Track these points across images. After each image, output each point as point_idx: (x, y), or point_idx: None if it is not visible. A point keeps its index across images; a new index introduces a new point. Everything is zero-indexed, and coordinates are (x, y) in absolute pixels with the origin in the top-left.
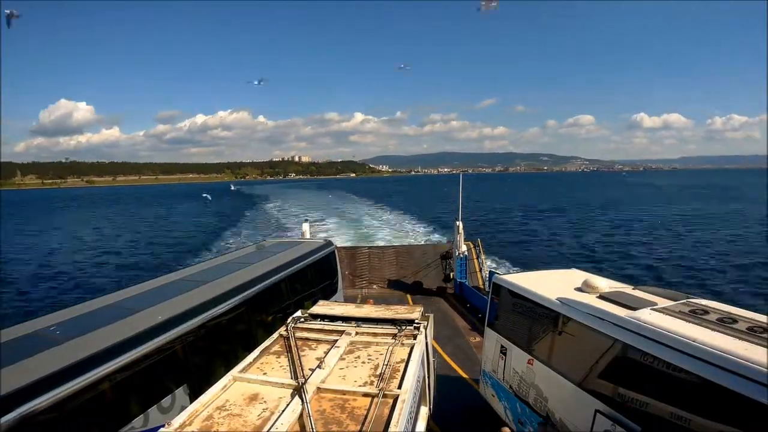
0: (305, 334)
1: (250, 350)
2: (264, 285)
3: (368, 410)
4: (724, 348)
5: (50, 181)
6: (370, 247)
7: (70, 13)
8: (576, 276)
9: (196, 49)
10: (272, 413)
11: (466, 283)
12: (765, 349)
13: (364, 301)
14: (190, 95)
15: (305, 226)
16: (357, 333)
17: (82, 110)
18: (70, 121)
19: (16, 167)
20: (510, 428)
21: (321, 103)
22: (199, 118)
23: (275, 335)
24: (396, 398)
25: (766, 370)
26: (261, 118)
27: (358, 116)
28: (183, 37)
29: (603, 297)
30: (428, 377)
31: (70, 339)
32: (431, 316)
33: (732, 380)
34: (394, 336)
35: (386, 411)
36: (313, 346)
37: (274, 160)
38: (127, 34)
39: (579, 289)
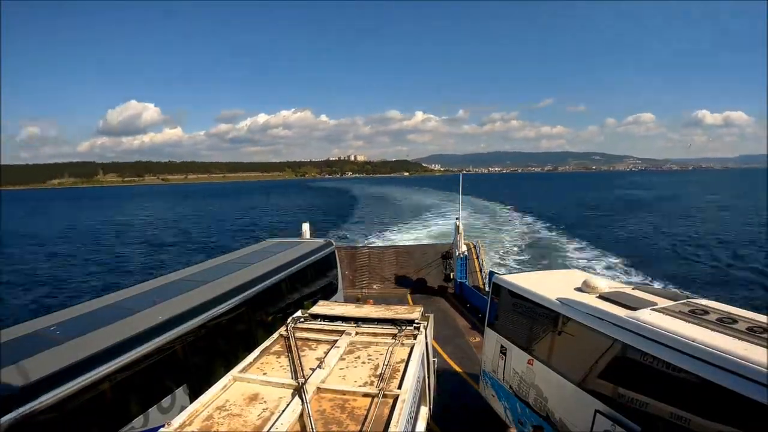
0: (305, 334)
1: (250, 350)
2: (264, 285)
3: (368, 410)
4: (724, 348)
5: (129, 178)
6: (370, 248)
7: (141, 16)
8: (576, 276)
9: (263, 50)
10: (272, 413)
11: (466, 283)
12: (765, 349)
13: (364, 301)
14: (252, 95)
15: (305, 226)
16: (357, 333)
17: (149, 111)
18: (137, 122)
19: (98, 167)
20: (515, 430)
21: (384, 103)
22: (261, 118)
23: (275, 335)
24: (396, 398)
25: (765, 370)
26: (323, 117)
27: (419, 115)
28: (255, 37)
29: (603, 297)
30: (428, 377)
31: (70, 339)
32: (431, 316)
33: (732, 380)
34: (394, 336)
35: (386, 411)
36: (313, 346)
37: (331, 159)
38: (193, 35)
39: (579, 289)
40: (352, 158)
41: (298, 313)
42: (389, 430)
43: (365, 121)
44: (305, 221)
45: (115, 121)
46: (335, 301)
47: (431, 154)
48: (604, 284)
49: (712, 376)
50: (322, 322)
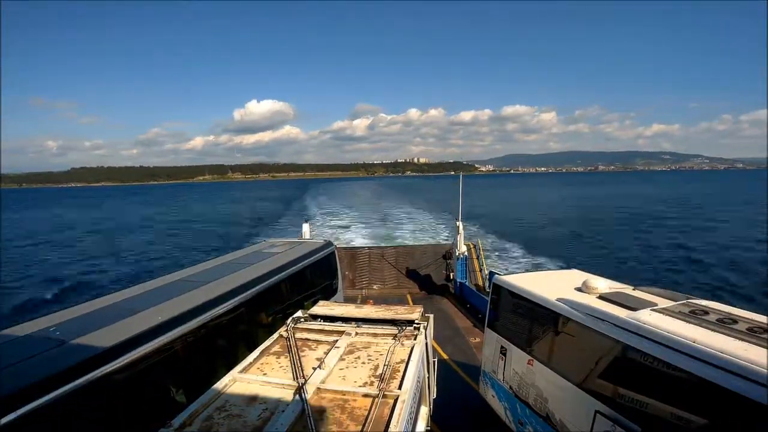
0: (305, 335)
1: (250, 351)
2: (264, 285)
3: (368, 411)
4: (724, 349)
5: (250, 175)
6: (370, 248)
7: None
8: (576, 276)
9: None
10: (272, 414)
11: (467, 283)
12: (765, 349)
13: (364, 301)
14: (384, 94)
15: (305, 227)
16: (357, 333)
17: (276, 108)
18: (262, 120)
19: (227, 168)
20: None
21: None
22: (380, 117)
23: (275, 336)
24: (396, 399)
25: (765, 371)
26: (433, 112)
27: (509, 109)
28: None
29: (603, 297)
30: (428, 377)
31: (70, 339)
32: (431, 316)
33: (732, 381)
34: (394, 336)
35: (386, 411)
36: (313, 347)
37: (399, 160)
38: (324, 33)
39: (579, 290)
40: (415, 160)
41: (298, 314)
42: (389, 430)
43: (490, 118)
44: (305, 221)
45: (239, 118)
46: (335, 302)
47: (506, 153)
48: (604, 285)
49: (712, 377)
50: (322, 323)
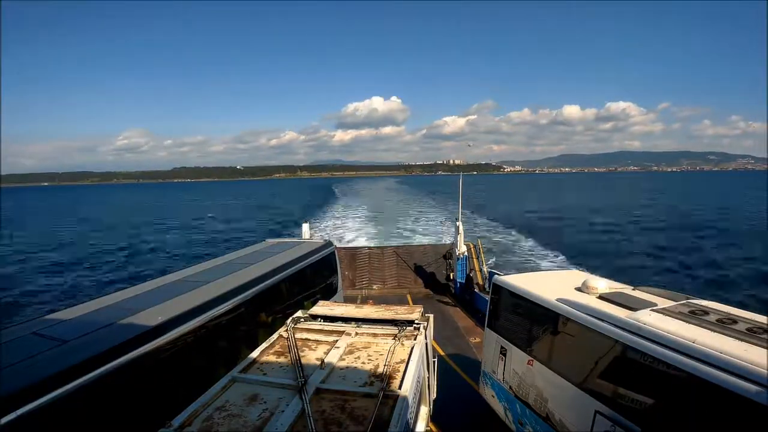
0: (305, 335)
1: (250, 351)
2: (264, 285)
3: (368, 410)
4: (724, 349)
5: (315, 174)
6: (370, 248)
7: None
8: (576, 276)
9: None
10: (272, 413)
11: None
12: (764, 350)
13: (364, 301)
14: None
15: (305, 227)
16: (357, 333)
17: (388, 106)
18: (375, 115)
19: (297, 168)
20: None
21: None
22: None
23: (275, 335)
24: (396, 398)
25: (765, 371)
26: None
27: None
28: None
29: (603, 298)
30: (428, 377)
31: (70, 339)
32: (431, 316)
33: (732, 381)
34: (394, 336)
35: (386, 411)
36: (313, 347)
37: (438, 162)
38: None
39: (579, 290)
40: (451, 162)
41: (298, 314)
42: (389, 430)
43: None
44: (305, 221)
45: (349, 112)
46: (335, 302)
47: (561, 153)
48: (604, 285)
49: (712, 377)
50: (322, 323)
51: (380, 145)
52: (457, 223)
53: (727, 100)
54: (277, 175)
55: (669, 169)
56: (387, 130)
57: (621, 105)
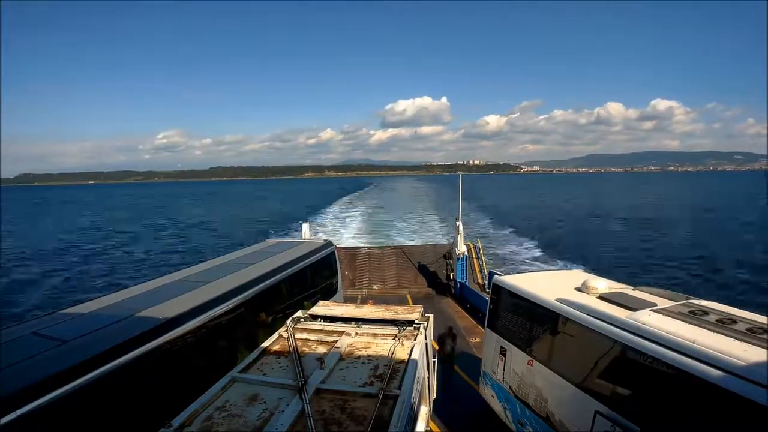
0: (305, 335)
1: (250, 351)
2: (264, 285)
3: (368, 411)
4: (724, 349)
5: (340, 173)
6: (370, 248)
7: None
8: (576, 277)
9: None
10: (272, 414)
11: (467, 283)
12: (764, 350)
13: (364, 301)
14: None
15: (305, 227)
16: (357, 333)
17: (430, 104)
18: (416, 114)
19: (325, 168)
20: None
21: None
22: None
23: (275, 336)
24: (396, 398)
25: (765, 371)
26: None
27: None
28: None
29: (603, 298)
30: (428, 377)
31: (70, 339)
32: (431, 316)
33: (732, 381)
34: (394, 336)
35: (386, 411)
36: (313, 347)
37: (459, 162)
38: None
39: (579, 290)
40: (470, 162)
41: (298, 314)
42: (389, 430)
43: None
44: (305, 221)
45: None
46: (335, 302)
47: (589, 153)
48: (604, 285)
49: (711, 378)
50: (322, 323)
51: (418, 144)
52: (457, 223)
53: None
54: (307, 175)
55: (688, 169)
56: (426, 129)
57: (666, 103)
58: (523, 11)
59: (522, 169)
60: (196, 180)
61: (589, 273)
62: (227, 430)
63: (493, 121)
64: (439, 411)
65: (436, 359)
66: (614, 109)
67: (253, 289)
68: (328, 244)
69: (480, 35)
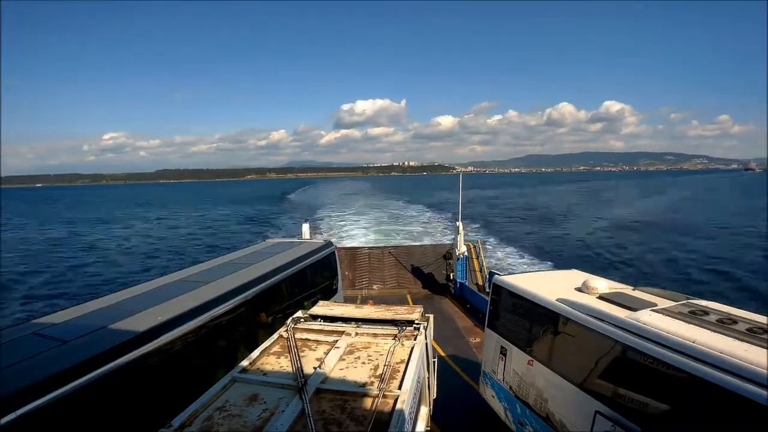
0: (305, 335)
1: (250, 351)
2: (264, 285)
3: (368, 411)
4: (724, 349)
5: (281, 175)
6: (370, 248)
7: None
8: (576, 277)
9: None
10: (272, 414)
11: (467, 283)
12: (765, 350)
13: (364, 301)
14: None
15: (305, 227)
16: (357, 333)
17: (382, 106)
18: (377, 115)
19: (267, 170)
20: None
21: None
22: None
23: (275, 336)
24: (396, 399)
25: (765, 371)
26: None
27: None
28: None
29: (603, 298)
30: (428, 378)
31: (70, 339)
32: (431, 316)
33: (732, 381)
34: (394, 336)
35: (386, 411)
36: (313, 347)
37: (393, 164)
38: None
39: (579, 290)
40: (406, 164)
41: (298, 314)
42: (389, 430)
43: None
44: (305, 221)
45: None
46: (335, 302)
47: (525, 154)
48: (604, 285)
49: (712, 378)
50: (322, 323)
51: (367, 146)
52: (457, 223)
53: (719, 98)
54: (249, 177)
55: (612, 169)
56: (377, 130)
57: (617, 105)
58: (490, 13)
59: (455, 170)
60: (143, 182)
61: (589, 273)
62: (227, 430)
63: (446, 122)
64: (439, 411)
65: (436, 359)
66: (566, 110)
67: (253, 289)
68: (329, 244)
69: (442, 35)
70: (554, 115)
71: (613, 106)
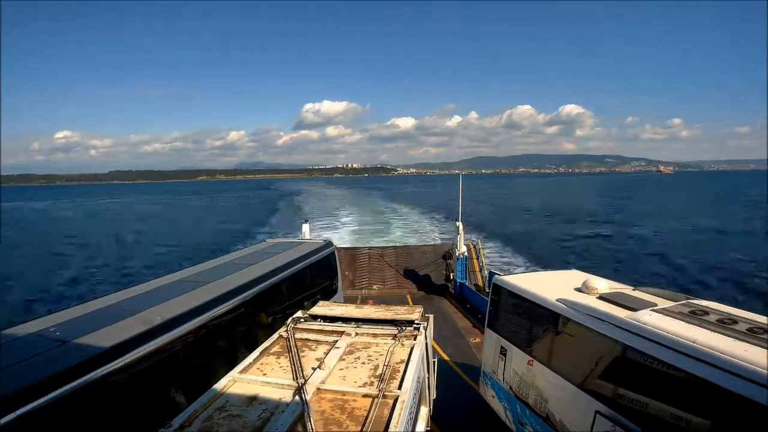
0: (305, 335)
1: (250, 351)
2: (264, 285)
3: (368, 411)
4: (724, 349)
5: (231, 176)
6: (370, 248)
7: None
8: (576, 277)
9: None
10: (272, 414)
11: (466, 283)
12: (765, 350)
13: (364, 301)
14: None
15: (305, 227)
16: (357, 334)
17: (340, 108)
18: (338, 116)
19: (217, 172)
20: None
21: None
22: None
23: (275, 336)
24: (396, 399)
25: (765, 371)
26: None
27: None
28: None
29: (603, 298)
30: (428, 378)
31: (70, 339)
32: (431, 316)
33: (732, 381)
34: (394, 337)
35: (386, 411)
36: (313, 347)
37: (338, 166)
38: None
39: (579, 290)
40: (349, 166)
41: (298, 314)
42: (389, 430)
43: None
44: (305, 221)
45: (308, 114)
46: (335, 302)
47: (475, 156)
48: (604, 285)
49: (712, 377)
50: (322, 323)
51: (321, 146)
52: (457, 223)
53: (672, 101)
54: (200, 178)
55: (545, 170)
56: (333, 131)
57: (577, 109)
58: (462, 16)
59: (397, 171)
60: (96, 183)
61: (589, 273)
62: (227, 430)
63: (405, 123)
64: (439, 411)
65: (435, 359)
66: (526, 112)
67: (253, 290)
68: (329, 244)
69: (409, 38)
70: (514, 117)
71: (573, 109)
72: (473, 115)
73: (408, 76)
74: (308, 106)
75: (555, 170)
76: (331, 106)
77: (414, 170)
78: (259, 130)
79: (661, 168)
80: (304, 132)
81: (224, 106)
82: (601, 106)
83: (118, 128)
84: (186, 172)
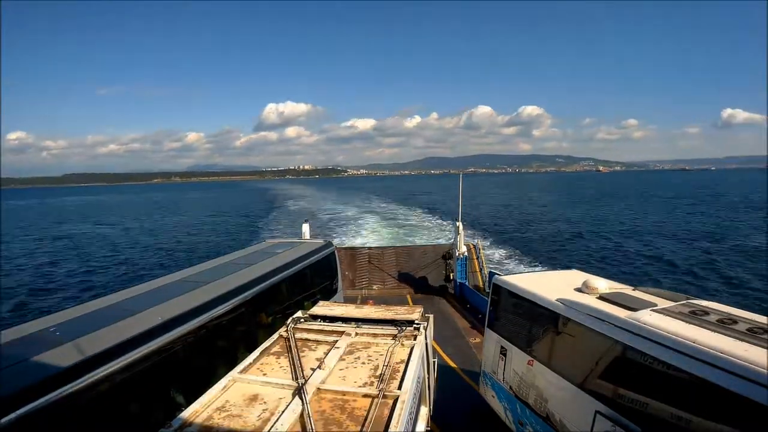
0: (305, 335)
1: (250, 351)
2: (264, 286)
3: (368, 411)
4: (724, 349)
5: (185, 179)
6: (370, 248)
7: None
8: (576, 277)
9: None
10: (272, 414)
11: (466, 283)
12: (765, 350)
13: (364, 301)
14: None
15: (305, 227)
16: (357, 334)
17: (300, 109)
18: (299, 118)
19: (172, 174)
20: None
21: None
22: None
23: (275, 336)
24: (396, 399)
25: (765, 371)
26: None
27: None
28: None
29: (603, 298)
30: (428, 378)
31: (70, 340)
32: (431, 316)
33: (732, 381)
34: (394, 337)
35: (386, 412)
36: (313, 347)
37: (290, 167)
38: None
39: (579, 290)
40: (300, 167)
41: (298, 314)
42: (389, 430)
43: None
44: (305, 221)
45: (271, 115)
46: (335, 302)
47: (428, 156)
48: (604, 285)
49: (712, 377)
50: (322, 323)
51: (279, 148)
52: (457, 223)
53: (629, 103)
54: (156, 181)
55: (491, 170)
56: (292, 132)
57: (536, 110)
58: (425, 15)
59: (347, 172)
60: (50, 186)
61: (588, 273)
62: (227, 431)
63: (365, 124)
64: (439, 411)
65: (435, 359)
66: (484, 113)
67: (254, 290)
68: (329, 244)
69: (373, 38)
70: (473, 118)
71: (533, 111)
72: (434, 116)
73: (369, 77)
74: (268, 108)
75: (504, 170)
76: (291, 108)
77: (365, 171)
78: (217, 131)
79: (600, 167)
80: (263, 133)
81: (181, 108)
82: (561, 107)
83: (72, 129)
84: (142, 175)
